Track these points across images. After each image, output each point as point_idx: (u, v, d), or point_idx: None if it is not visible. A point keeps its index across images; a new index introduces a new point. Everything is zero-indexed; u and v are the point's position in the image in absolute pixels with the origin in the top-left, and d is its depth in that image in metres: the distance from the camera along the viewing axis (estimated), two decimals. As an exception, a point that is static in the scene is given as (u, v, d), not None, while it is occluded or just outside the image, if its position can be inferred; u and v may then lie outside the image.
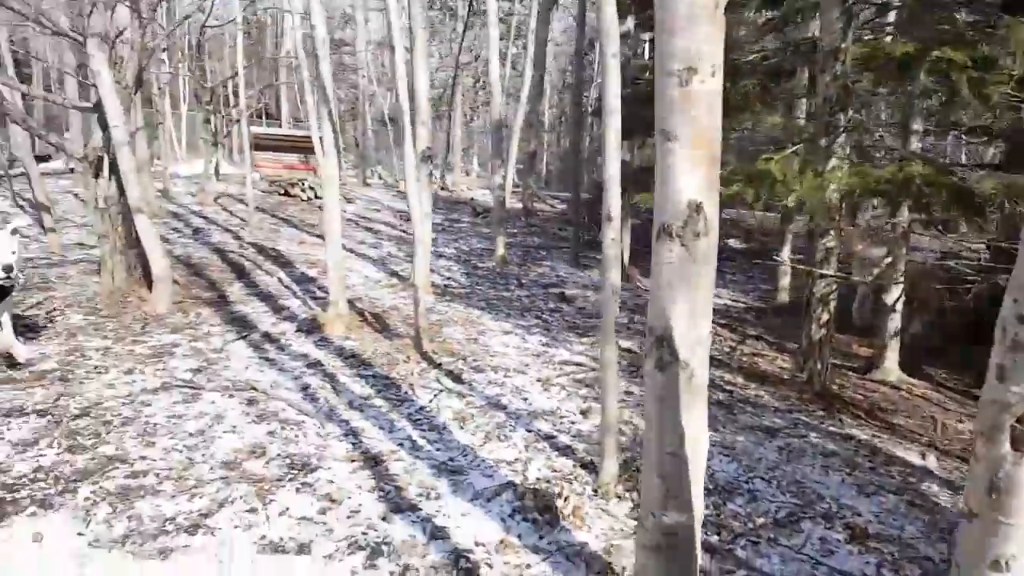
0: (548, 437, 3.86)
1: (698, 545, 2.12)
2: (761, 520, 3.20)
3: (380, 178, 21.85)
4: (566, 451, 3.69)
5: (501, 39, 13.02)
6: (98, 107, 5.56)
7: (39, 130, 5.96)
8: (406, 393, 4.39)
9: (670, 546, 2.11)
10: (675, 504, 2.09)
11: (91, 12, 5.15)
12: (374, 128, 24.94)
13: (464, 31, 15.96)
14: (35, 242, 8.36)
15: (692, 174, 1.79)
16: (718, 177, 1.85)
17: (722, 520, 3.13)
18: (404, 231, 11.91)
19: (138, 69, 6.09)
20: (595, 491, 3.26)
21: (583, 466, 3.52)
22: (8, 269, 3.85)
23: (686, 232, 1.80)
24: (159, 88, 15.99)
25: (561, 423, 4.09)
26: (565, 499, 3.06)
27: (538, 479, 3.35)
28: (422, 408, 4.16)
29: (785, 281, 8.38)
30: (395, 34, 4.94)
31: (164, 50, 10.85)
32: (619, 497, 3.23)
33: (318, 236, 10.50)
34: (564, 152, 28.45)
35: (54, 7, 6.12)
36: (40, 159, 13.90)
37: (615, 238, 3.03)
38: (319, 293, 6.88)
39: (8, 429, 3.40)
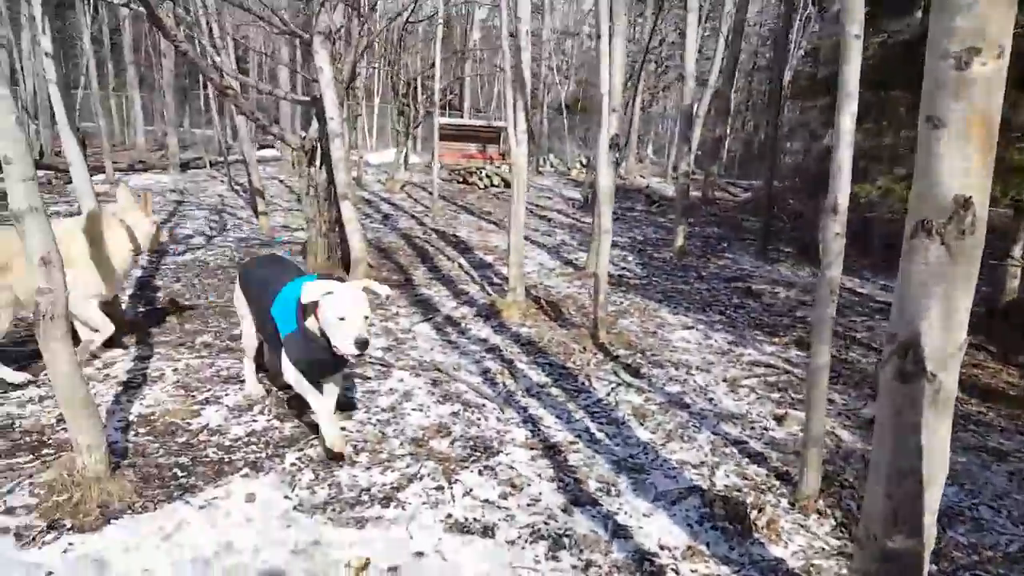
0: (737, 442, 3.61)
1: (925, 575, 1.86)
2: (989, 553, 2.78)
3: (552, 166, 22.06)
4: (758, 459, 3.43)
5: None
6: (316, 100, 6.04)
7: (264, 121, 6.57)
8: (582, 384, 4.33)
9: (892, 573, 1.87)
10: (903, 528, 1.84)
11: (319, 11, 5.58)
12: (549, 116, 25.23)
13: (657, 14, 15.56)
14: (247, 224, 9.38)
15: (961, 166, 1.56)
16: (992, 170, 1.59)
17: (943, 549, 2.75)
18: (576, 219, 11.90)
19: (353, 64, 6.54)
20: (792, 504, 2.99)
21: (778, 476, 3.25)
22: (363, 345, 2.80)
23: (949, 230, 1.57)
24: (360, 83, 17.19)
25: (752, 428, 3.81)
26: (759, 510, 2.83)
27: (727, 486, 3.14)
28: (599, 400, 4.08)
29: (1014, 284, 7.26)
30: (602, 19, 4.86)
31: (369, 47, 11.70)
32: (820, 513, 2.94)
33: (494, 223, 10.79)
34: (748, 137, 27.01)
35: (280, 7, 6.70)
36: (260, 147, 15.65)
37: (839, 232, 2.71)
38: (495, 279, 7.03)
39: (226, 395, 3.77)
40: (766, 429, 3.81)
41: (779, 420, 3.89)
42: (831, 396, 4.21)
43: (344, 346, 2.82)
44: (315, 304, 2.91)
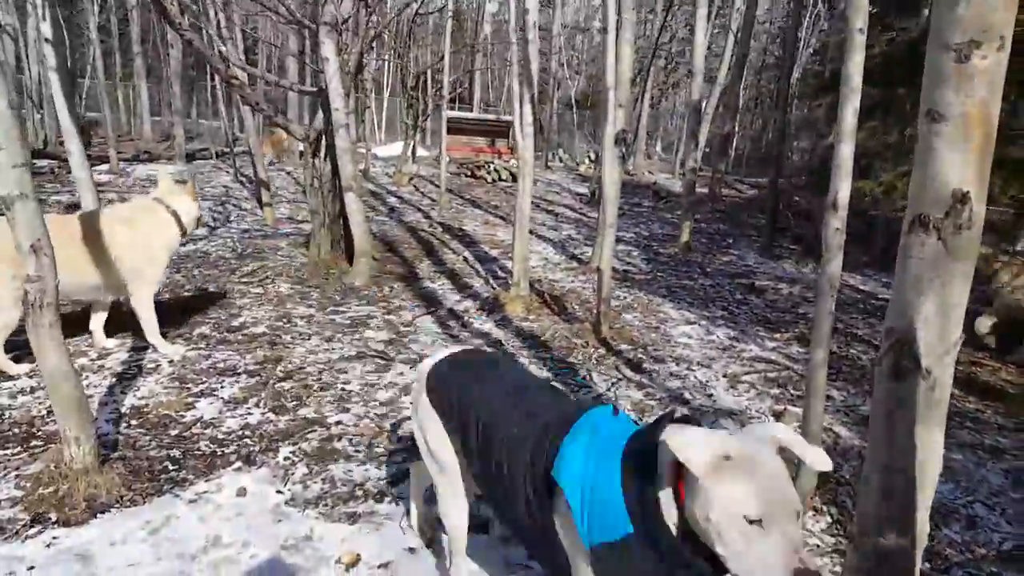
0: (736, 439, 3.57)
1: (916, 573, 1.83)
2: (982, 551, 2.74)
3: (561, 161, 22.02)
4: (756, 457, 3.39)
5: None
6: (322, 91, 6.01)
7: (269, 111, 6.55)
8: (584, 379, 4.29)
9: (883, 571, 1.84)
10: (896, 527, 1.82)
11: (325, 1, 5.55)
12: (559, 111, 25.15)
13: (667, 10, 15.49)
14: (251, 215, 9.38)
15: (960, 160, 1.54)
16: (990, 165, 1.56)
17: (936, 546, 2.72)
18: (583, 214, 11.85)
19: (359, 55, 6.52)
20: (789, 504, 2.95)
21: (776, 475, 3.21)
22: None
23: (946, 224, 1.54)
24: (369, 75, 17.20)
25: (750, 424, 3.76)
26: (756, 510, 2.79)
27: (724, 484, 3.10)
28: (599, 396, 4.04)
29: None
30: (609, 12, 4.81)
31: (377, 38, 11.75)
32: (816, 510, 2.90)
33: (501, 217, 10.75)
34: (757, 135, 26.89)
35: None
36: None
37: (840, 228, 2.68)
38: (500, 273, 7.00)
39: (222, 387, 3.75)
40: (766, 427, 3.77)
41: (778, 416, 3.85)
42: (830, 392, 4.17)
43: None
44: (675, 471, 1.44)
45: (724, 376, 4.49)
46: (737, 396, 4.18)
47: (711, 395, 4.16)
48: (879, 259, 8.56)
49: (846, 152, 2.68)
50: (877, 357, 1.78)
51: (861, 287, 7.64)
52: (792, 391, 4.29)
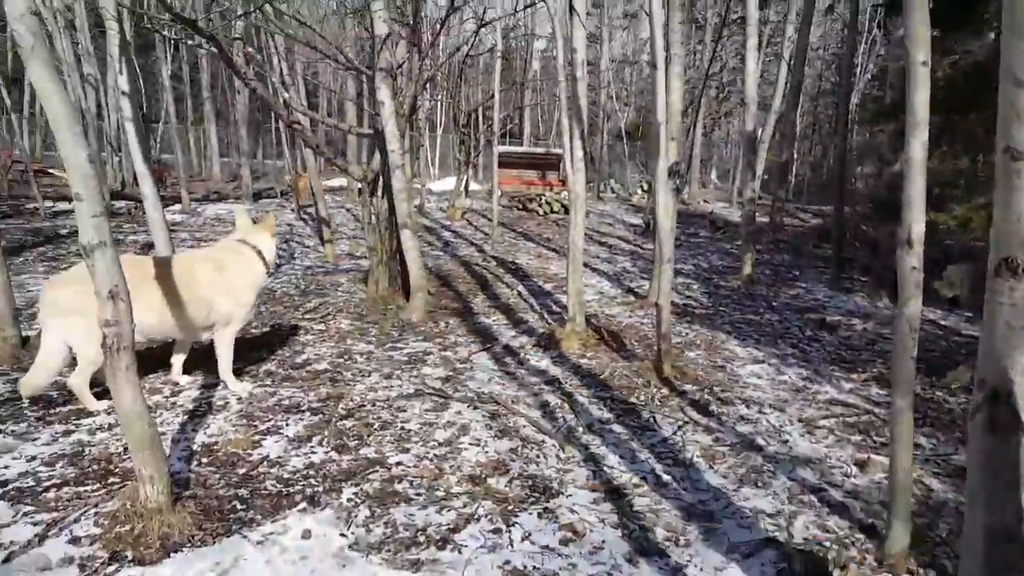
0: (816, 490, 3.36)
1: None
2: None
3: (613, 192, 22.01)
4: (839, 509, 3.17)
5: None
6: (378, 133, 6.16)
7: (329, 154, 6.75)
8: (647, 421, 4.16)
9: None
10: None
11: (380, 49, 5.73)
12: (609, 143, 25.23)
13: (717, 40, 15.47)
14: (314, 252, 9.58)
15: None
16: None
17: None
18: (638, 246, 11.73)
19: (414, 98, 6.68)
20: (879, 562, 2.74)
21: (863, 529, 2.99)
22: None
23: None
24: (423, 115, 17.65)
25: (831, 474, 3.54)
26: (843, 568, 2.61)
27: (805, 539, 2.91)
28: (665, 440, 3.89)
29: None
30: (657, 49, 4.80)
31: (430, 81, 12.12)
32: (911, 573, 2.68)
33: (554, 250, 10.72)
34: (816, 162, 26.37)
35: (346, 45, 6.97)
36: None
37: (916, 266, 2.52)
38: (555, 308, 6.93)
39: (287, 424, 3.77)
40: (847, 475, 3.54)
41: (861, 466, 3.62)
42: (917, 440, 3.90)
43: None
44: None
45: (799, 420, 4.28)
46: (815, 443, 3.95)
47: (786, 441, 3.96)
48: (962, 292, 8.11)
49: (917, 188, 2.52)
50: (970, 409, 1.65)
51: (942, 322, 7.20)
52: (875, 438, 4.03)
